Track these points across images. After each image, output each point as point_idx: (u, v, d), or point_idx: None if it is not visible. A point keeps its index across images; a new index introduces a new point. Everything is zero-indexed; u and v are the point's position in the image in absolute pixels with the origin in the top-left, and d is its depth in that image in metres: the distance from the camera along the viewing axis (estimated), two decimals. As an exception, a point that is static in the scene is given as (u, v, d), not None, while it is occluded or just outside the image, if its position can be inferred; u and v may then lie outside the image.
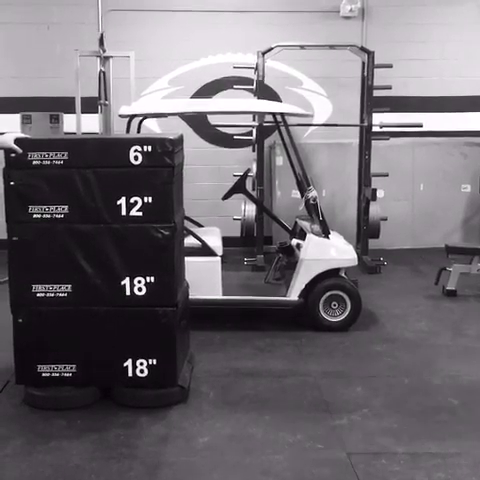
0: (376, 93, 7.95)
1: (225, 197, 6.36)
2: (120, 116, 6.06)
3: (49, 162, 4.23)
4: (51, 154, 4.22)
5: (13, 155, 4.19)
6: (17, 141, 4.19)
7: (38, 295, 4.32)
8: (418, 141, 9.14)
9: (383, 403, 4.49)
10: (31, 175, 4.24)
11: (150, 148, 4.21)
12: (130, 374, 4.39)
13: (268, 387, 4.75)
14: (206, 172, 9.07)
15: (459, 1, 9.06)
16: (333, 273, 5.93)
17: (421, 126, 8.10)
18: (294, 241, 6.27)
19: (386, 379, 4.90)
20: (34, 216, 4.27)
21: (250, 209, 8.00)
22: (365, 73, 8.03)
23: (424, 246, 9.08)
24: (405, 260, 8.54)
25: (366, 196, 8.03)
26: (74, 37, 8.48)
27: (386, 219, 8.10)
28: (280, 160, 8.91)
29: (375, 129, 8.07)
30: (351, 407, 4.41)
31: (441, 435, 4.05)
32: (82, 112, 7.81)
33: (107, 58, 7.78)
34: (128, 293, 4.32)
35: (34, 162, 4.22)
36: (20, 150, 4.18)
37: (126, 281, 4.31)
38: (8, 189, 4.26)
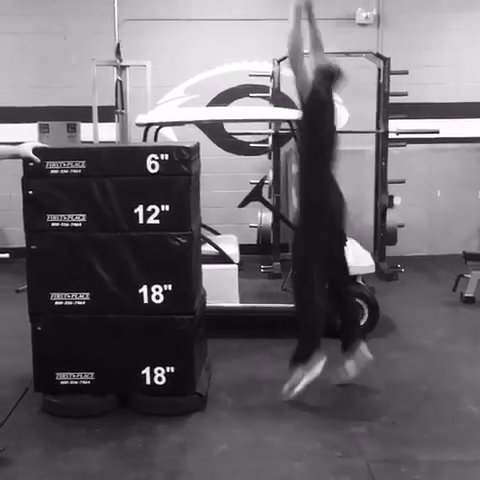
0: (392, 100, 7.92)
1: (241, 205, 6.36)
2: (137, 125, 6.08)
3: (67, 171, 4.25)
4: (69, 163, 4.25)
5: (31, 164, 4.23)
6: (35, 150, 4.22)
7: (56, 303, 4.34)
8: (435, 147, 9.10)
9: (402, 411, 4.46)
10: (49, 184, 4.27)
11: (167, 156, 4.23)
12: (148, 382, 4.40)
13: (286, 395, 4.74)
14: (222, 180, 9.08)
15: (475, 7, 9.02)
16: (350, 280, 5.90)
17: (438, 132, 8.06)
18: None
19: (404, 386, 4.87)
20: (52, 225, 4.29)
21: (266, 216, 7.99)
22: (381, 80, 8.01)
23: (441, 253, 9.02)
24: (422, 267, 8.50)
25: (383, 203, 8.00)
26: (91, 47, 8.53)
27: (403, 226, 8.06)
28: (296, 167, 8.89)
29: (391, 136, 8.03)
30: (370, 415, 4.40)
31: (461, 443, 4.03)
32: (99, 121, 7.85)
33: (124, 67, 7.81)
34: (146, 301, 4.33)
35: (52, 171, 4.25)
36: (38, 159, 4.21)
37: (144, 289, 4.32)
38: (26, 198, 4.30)
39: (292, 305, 5.91)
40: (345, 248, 4.90)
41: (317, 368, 4.58)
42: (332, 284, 4.76)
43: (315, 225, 4.63)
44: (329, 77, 4.68)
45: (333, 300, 4.78)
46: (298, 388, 4.54)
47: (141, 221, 4.28)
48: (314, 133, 4.67)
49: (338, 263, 4.80)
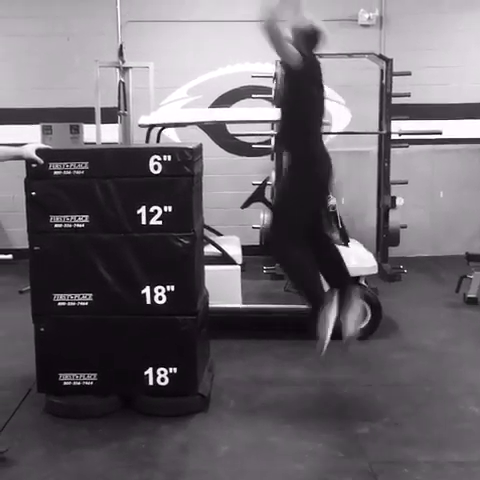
0: (395, 101, 7.91)
1: (244, 206, 6.37)
2: (140, 126, 6.09)
3: (70, 172, 4.26)
4: (72, 164, 4.26)
5: (34, 166, 4.24)
6: (38, 152, 4.23)
7: (59, 304, 4.35)
8: (438, 148, 9.10)
9: (404, 412, 4.46)
10: (52, 185, 4.28)
11: (170, 157, 4.24)
12: (151, 382, 4.40)
13: (288, 395, 4.75)
14: (225, 181, 9.08)
15: (476, 7, 9.01)
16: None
17: (440, 133, 8.05)
18: (313, 249, 6.25)
19: (407, 388, 4.87)
20: (55, 226, 4.30)
21: (269, 217, 8.00)
22: (383, 81, 8.01)
23: (444, 254, 9.02)
24: (425, 268, 8.50)
25: (385, 204, 8.00)
26: (94, 48, 8.54)
27: (406, 227, 8.05)
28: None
29: (394, 137, 8.03)
30: (372, 416, 4.39)
31: (463, 444, 4.03)
32: (102, 122, 7.86)
33: (126, 69, 7.82)
34: (148, 302, 4.33)
35: (55, 172, 4.26)
36: (41, 161, 4.22)
37: (146, 290, 4.33)
38: (29, 199, 4.31)
39: (295, 306, 5.94)
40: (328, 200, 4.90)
41: (332, 315, 4.44)
42: (311, 235, 4.63)
43: (304, 181, 4.51)
44: (312, 38, 4.50)
45: (315, 252, 4.64)
46: (325, 342, 4.46)
47: (144, 222, 4.28)
48: (305, 96, 4.50)
49: (318, 215, 4.71)
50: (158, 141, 6.31)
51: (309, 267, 4.57)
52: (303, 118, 4.53)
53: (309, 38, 4.49)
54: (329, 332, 4.43)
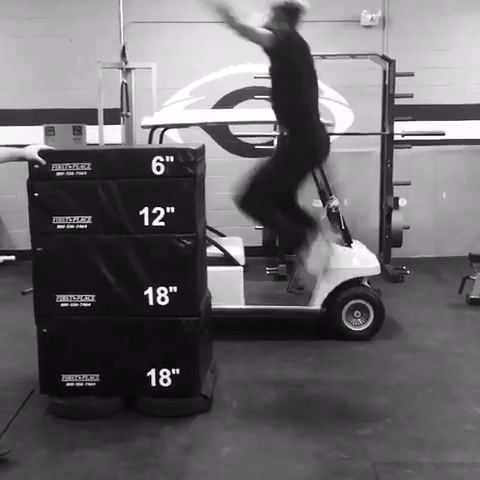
0: (398, 101, 7.93)
1: (247, 207, 6.35)
2: (142, 127, 6.10)
3: (72, 173, 4.26)
4: (74, 165, 4.26)
5: (37, 167, 4.24)
6: (41, 153, 4.23)
7: (62, 305, 4.35)
8: (440, 149, 9.09)
9: (407, 413, 4.46)
10: (55, 186, 4.28)
11: (172, 158, 4.24)
12: (153, 383, 4.40)
13: (291, 397, 4.75)
14: (228, 182, 9.02)
15: (479, 9, 9.01)
16: (356, 282, 5.91)
17: (443, 134, 8.06)
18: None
19: (410, 388, 4.86)
20: (58, 227, 4.30)
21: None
22: (386, 82, 8.02)
23: (447, 254, 9.01)
24: (428, 269, 8.49)
25: (388, 205, 8.00)
26: (96, 49, 8.54)
27: (408, 228, 8.06)
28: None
29: (397, 138, 8.04)
30: (375, 417, 4.39)
31: (466, 445, 4.02)
32: (104, 123, 7.87)
33: (129, 70, 7.83)
34: (151, 303, 4.33)
35: (58, 173, 4.26)
36: (44, 162, 4.22)
37: (149, 291, 4.32)
38: (32, 200, 4.31)
39: (298, 307, 5.94)
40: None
41: (322, 247, 4.52)
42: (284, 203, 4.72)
43: (299, 152, 4.61)
44: (292, 12, 4.52)
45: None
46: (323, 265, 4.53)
47: (146, 223, 4.28)
48: (292, 71, 4.55)
49: (299, 186, 4.80)
50: (161, 142, 6.32)
51: (281, 214, 4.66)
52: (297, 89, 4.58)
53: (288, 13, 4.52)
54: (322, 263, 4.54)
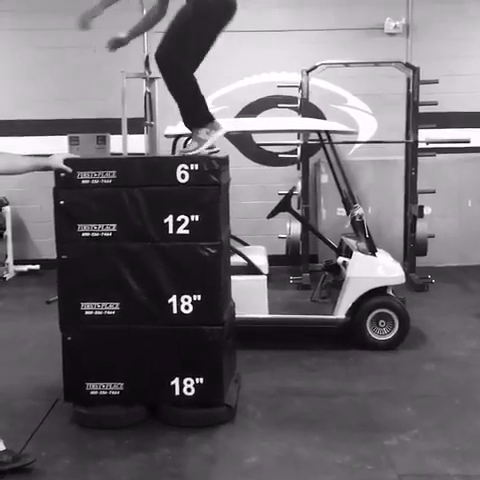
0: (422, 109, 7.88)
1: (270, 216, 6.35)
2: (166, 136, 6.11)
3: (98, 181, 4.28)
4: (100, 173, 4.27)
5: (63, 175, 4.25)
6: (66, 161, 4.24)
7: (86, 313, 4.35)
8: (465, 157, 9.02)
9: (434, 423, 4.40)
10: (80, 194, 4.30)
11: (197, 166, 4.23)
12: (177, 393, 4.38)
13: (316, 407, 4.70)
14: (251, 191, 9.08)
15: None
16: (380, 291, 5.86)
17: (468, 142, 8.00)
18: (340, 259, 6.21)
19: (436, 399, 4.80)
20: (83, 235, 4.31)
21: (295, 227, 7.98)
22: (410, 89, 7.98)
23: (472, 263, 8.93)
24: (453, 278, 8.41)
25: (413, 213, 7.95)
26: (120, 59, 8.56)
27: (433, 236, 8.00)
28: (325, 178, 8.88)
29: (421, 145, 7.99)
30: (401, 427, 4.33)
31: (495, 457, 3.96)
32: (128, 133, 7.90)
33: (152, 79, 7.85)
34: (175, 311, 4.32)
35: (83, 181, 4.28)
36: (70, 169, 4.23)
37: (173, 299, 4.31)
38: (58, 208, 4.32)
39: (322, 317, 5.89)
40: None
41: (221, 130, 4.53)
42: None
43: None
44: None
45: None
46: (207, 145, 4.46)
47: (171, 231, 4.28)
48: None
49: None
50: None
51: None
52: None
53: None
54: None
